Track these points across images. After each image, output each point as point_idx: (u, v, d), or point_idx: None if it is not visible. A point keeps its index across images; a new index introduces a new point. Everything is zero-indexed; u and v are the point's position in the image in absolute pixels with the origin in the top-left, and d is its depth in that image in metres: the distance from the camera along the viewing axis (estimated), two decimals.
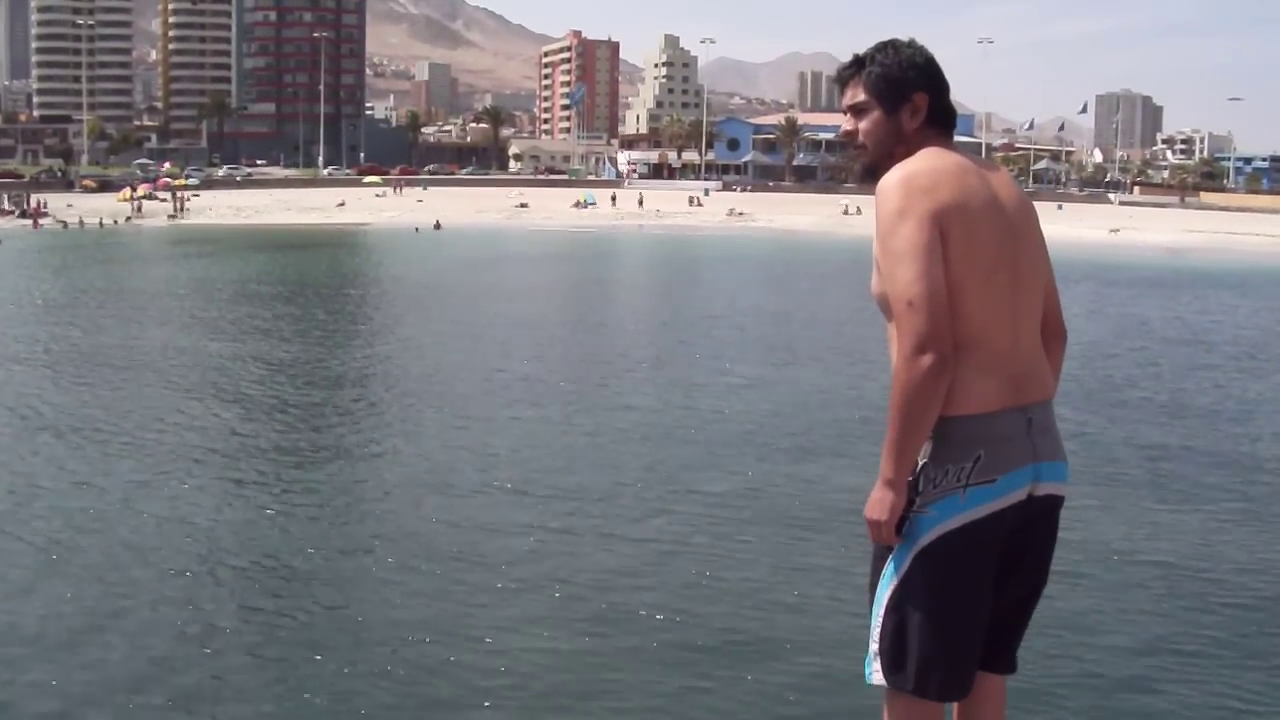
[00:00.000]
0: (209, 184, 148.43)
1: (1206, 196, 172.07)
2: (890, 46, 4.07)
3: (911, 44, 4.08)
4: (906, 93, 3.99)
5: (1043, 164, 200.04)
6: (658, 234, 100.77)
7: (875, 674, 3.97)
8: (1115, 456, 20.95)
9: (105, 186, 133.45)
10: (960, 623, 3.86)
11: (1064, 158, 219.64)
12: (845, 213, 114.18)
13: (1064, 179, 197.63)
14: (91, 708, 11.03)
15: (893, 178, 3.86)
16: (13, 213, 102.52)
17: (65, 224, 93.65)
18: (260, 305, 44.45)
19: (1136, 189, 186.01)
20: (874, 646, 3.98)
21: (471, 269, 62.74)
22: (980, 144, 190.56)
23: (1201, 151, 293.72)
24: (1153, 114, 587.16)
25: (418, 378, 28.67)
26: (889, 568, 3.91)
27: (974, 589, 3.87)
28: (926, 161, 3.89)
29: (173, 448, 21.00)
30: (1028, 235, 4.00)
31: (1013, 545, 3.94)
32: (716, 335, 37.17)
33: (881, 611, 3.94)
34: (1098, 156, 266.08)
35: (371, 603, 13.68)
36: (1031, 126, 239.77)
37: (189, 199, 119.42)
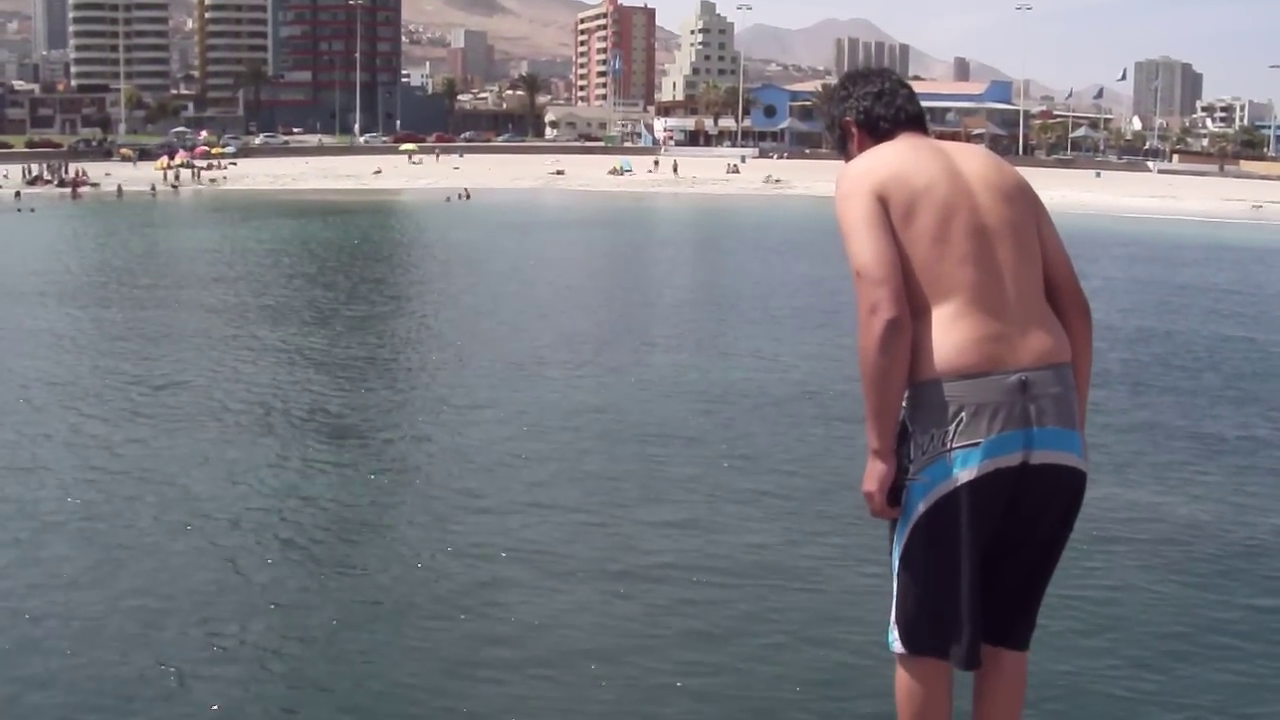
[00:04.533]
0: (247, 152, 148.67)
1: (1246, 165, 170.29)
2: (828, 95, 4.50)
3: (845, 81, 4.40)
4: (842, 125, 4.33)
5: (1081, 131, 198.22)
6: (694, 201, 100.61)
7: (895, 641, 4.04)
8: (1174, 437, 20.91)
9: (144, 155, 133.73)
10: (954, 588, 3.88)
11: (1103, 125, 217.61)
12: None
13: (1102, 147, 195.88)
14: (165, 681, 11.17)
15: (839, 173, 4.13)
16: (51, 182, 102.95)
17: (119, 191, 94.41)
18: (295, 275, 44.65)
19: (1175, 157, 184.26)
20: (890, 615, 4.05)
21: (505, 236, 62.76)
22: (1018, 111, 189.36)
23: (1241, 119, 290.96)
24: (1192, 81, 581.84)
25: (454, 351, 28.76)
26: (896, 536, 3.99)
27: (966, 554, 3.86)
28: (870, 152, 4.15)
29: (214, 415, 21.18)
30: (1004, 204, 4.01)
31: (1017, 516, 3.92)
32: (753, 304, 37.12)
33: (894, 580, 4.02)
34: (1136, 124, 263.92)
35: (412, 580, 13.77)
36: (1071, 95, 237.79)
37: (222, 166, 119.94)
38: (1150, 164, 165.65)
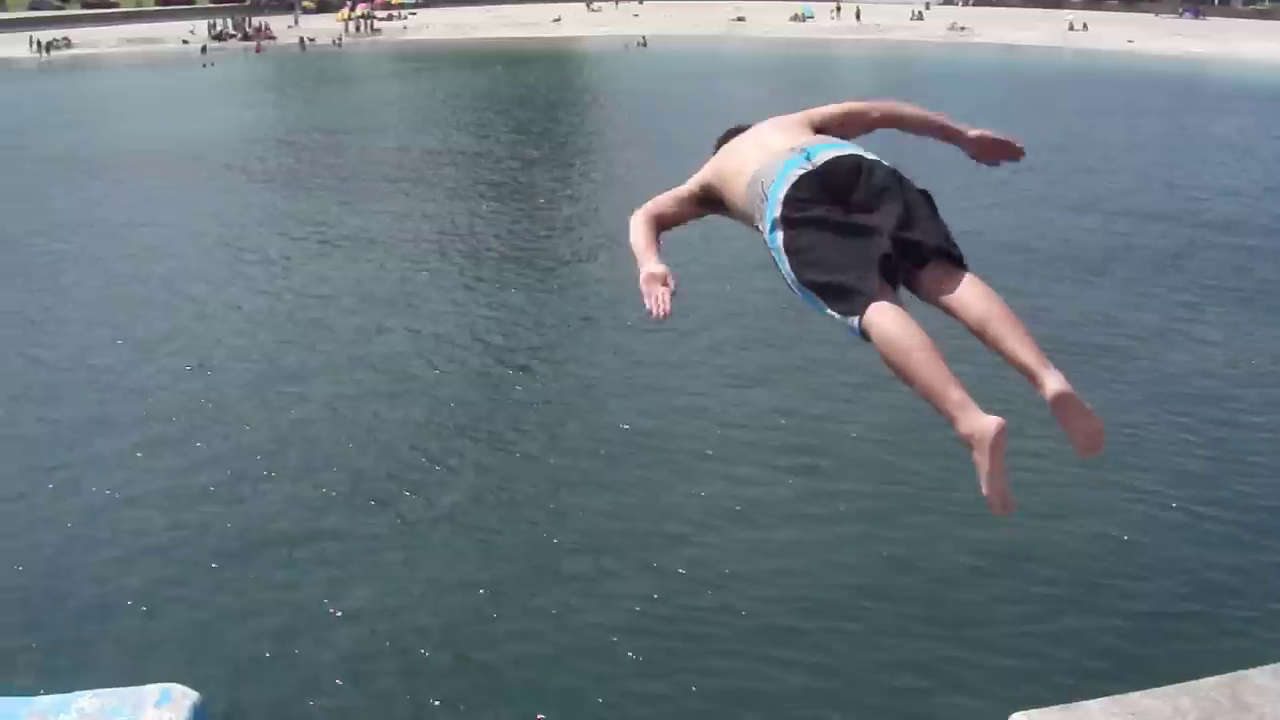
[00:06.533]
0: (428, 2, 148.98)
1: None
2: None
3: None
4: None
5: None
6: (875, 49, 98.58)
7: (851, 325, 4.30)
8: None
9: (324, 7, 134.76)
10: (833, 256, 4.40)
11: None
12: (1071, 29, 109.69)
13: None
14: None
15: None
16: (235, 36, 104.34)
17: (302, 44, 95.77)
18: (470, 124, 44.86)
19: None
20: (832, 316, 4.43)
21: (683, 85, 62.47)
22: None
23: None
24: None
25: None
26: (781, 267, 4.56)
27: (826, 230, 4.46)
28: None
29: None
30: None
31: (840, 195, 4.56)
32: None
33: (803, 296, 4.53)
34: None
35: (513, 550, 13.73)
36: None
37: (403, 16, 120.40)
38: None
